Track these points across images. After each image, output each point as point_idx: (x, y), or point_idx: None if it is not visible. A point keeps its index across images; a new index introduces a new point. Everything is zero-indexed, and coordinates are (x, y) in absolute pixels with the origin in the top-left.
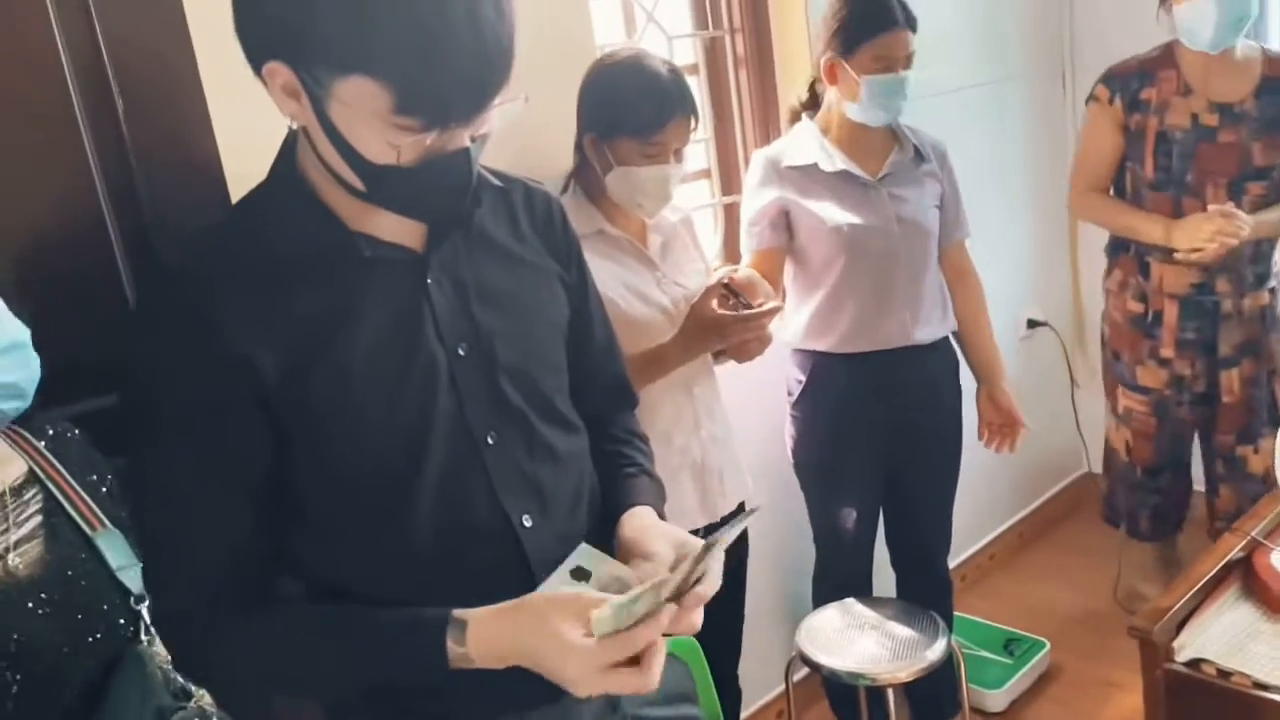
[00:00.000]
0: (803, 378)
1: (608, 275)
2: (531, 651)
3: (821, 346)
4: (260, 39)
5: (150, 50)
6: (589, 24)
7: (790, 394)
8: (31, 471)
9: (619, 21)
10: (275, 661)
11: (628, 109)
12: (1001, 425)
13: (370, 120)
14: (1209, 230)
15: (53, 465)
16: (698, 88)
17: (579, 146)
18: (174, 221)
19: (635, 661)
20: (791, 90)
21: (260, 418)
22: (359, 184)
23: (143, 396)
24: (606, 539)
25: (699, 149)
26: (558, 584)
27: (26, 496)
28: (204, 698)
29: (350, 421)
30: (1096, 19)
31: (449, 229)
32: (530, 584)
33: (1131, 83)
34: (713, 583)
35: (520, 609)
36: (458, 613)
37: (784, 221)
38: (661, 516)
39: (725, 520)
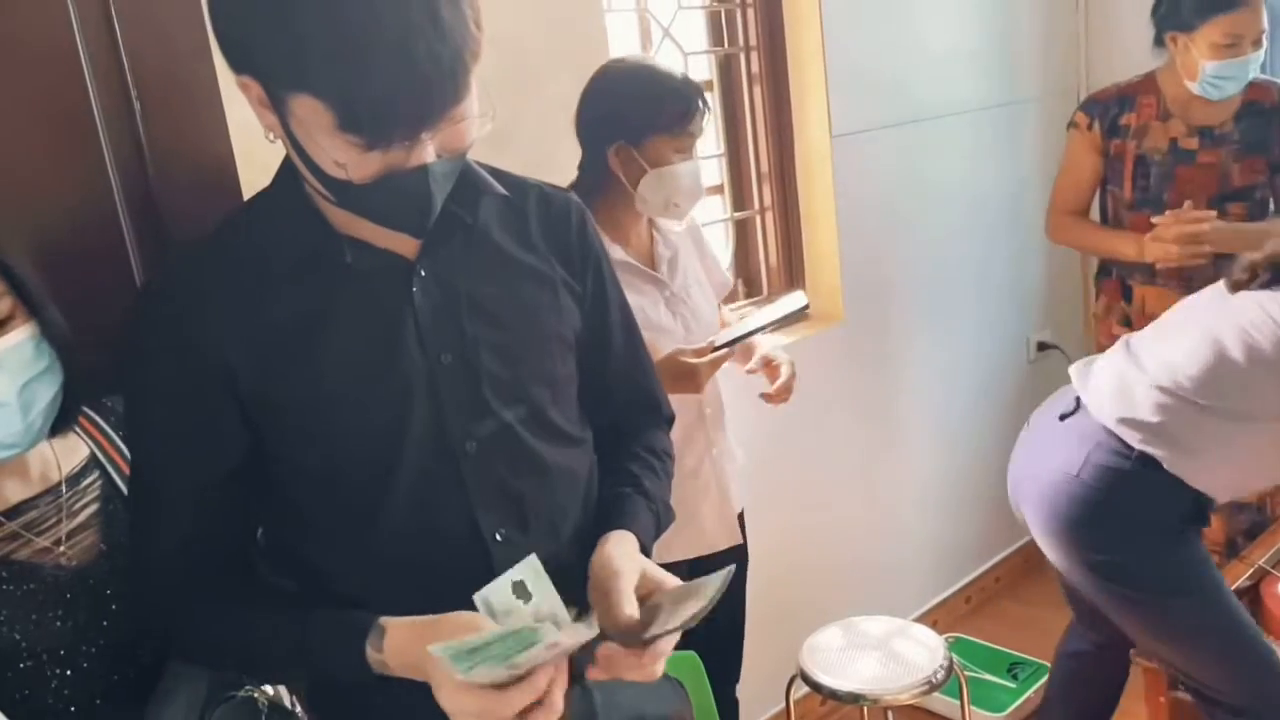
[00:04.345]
0: None
1: None
2: (426, 668)
3: None
4: (230, 55)
5: (168, 54)
6: (605, 39)
7: None
8: (92, 455)
9: (635, 36)
10: (222, 643)
11: (657, 106)
12: None
13: (320, 136)
14: (1174, 230)
15: (115, 446)
16: (712, 104)
17: (591, 165)
18: (189, 226)
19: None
20: (809, 109)
21: (234, 418)
22: (329, 195)
23: (129, 394)
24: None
25: (712, 165)
26: (498, 593)
27: (84, 484)
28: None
29: (321, 424)
30: (1111, 42)
31: (442, 236)
32: None
33: (1111, 108)
34: (669, 644)
35: (433, 625)
36: (383, 620)
37: None
38: (646, 542)
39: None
